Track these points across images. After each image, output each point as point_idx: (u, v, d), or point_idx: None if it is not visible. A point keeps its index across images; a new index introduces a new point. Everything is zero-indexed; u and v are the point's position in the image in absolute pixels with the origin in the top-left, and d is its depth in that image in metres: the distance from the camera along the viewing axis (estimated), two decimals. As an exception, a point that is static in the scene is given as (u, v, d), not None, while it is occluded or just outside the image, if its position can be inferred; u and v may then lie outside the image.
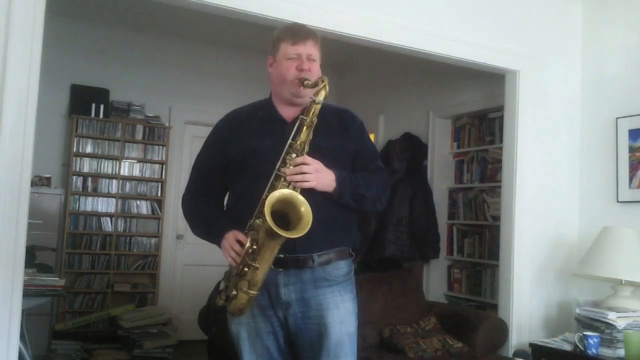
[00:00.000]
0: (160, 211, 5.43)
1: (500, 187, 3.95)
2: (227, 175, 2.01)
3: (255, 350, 1.94)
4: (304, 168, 1.78)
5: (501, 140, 3.98)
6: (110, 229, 5.21)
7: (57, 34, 4.40)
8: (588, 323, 3.18)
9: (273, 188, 1.77)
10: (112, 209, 5.23)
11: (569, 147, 3.84)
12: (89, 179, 5.16)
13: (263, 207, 1.71)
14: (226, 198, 2.08)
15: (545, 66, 3.74)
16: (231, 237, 1.85)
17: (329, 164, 1.86)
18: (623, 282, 3.25)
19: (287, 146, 1.80)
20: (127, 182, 5.33)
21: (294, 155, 1.80)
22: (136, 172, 5.36)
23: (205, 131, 6.55)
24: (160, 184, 5.45)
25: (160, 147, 5.43)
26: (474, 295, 4.77)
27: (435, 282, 5.06)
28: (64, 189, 5.04)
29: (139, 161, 5.36)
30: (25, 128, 2.34)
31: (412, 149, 5.13)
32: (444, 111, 5.13)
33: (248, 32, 4.70)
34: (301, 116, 1.83)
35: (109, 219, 5.22)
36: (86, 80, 5.20)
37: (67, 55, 5.05)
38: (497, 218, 4.25)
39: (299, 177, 1.78)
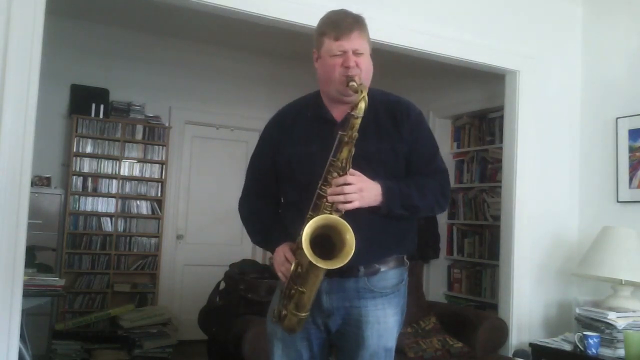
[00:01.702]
0: (160, 211, 5.42)
1: (500, 187, 3.95)
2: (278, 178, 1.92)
3: (287, 354, 1.90)
4: (346, 189, 1.66)
5: (501, 140, 3.99)
6: (110, 229, 5.21)
7: (57, 34, 4.39)
8: (588, 323, 3.18)
9: (316, 208, 1.68)
10: (112, 209, 5.23)
11: (569, 147, 3.84)
12: (89, 179, 5.15)
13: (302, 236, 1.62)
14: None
15: (545, 66, 3.74)
16: (281, 254, 1.78)
17: (376, 170, 1.75)
18: (623, 282, 3.25)
19: (327, 164, 1.68)
20: (127, 182, 5.32)
21: (335, 174, 1.67)
22: (136, 172, 5.36)
23: (206, 131, 6.52)
24: (160, 184, 5.44)
25: (160, 147, 5.42)
26: (474, 295, 4.78)
27: (435, 282, 5.06)
28: (64, 189, 5.04)
29: (139, 161, 5.36)
30: (25, 128, 2.35)
31: (412, 149, 5.13)
32: (444, 111, 5.13)
33: (248, 32, 4.70)
34: (340, 132, 1.66)
35: (109, 219, 5.22)
36: (86, 80, 5.19)
37: (67, 55, 5.03)
38: (497, 218, 4.25)
39: (341, 198, 1.66)
